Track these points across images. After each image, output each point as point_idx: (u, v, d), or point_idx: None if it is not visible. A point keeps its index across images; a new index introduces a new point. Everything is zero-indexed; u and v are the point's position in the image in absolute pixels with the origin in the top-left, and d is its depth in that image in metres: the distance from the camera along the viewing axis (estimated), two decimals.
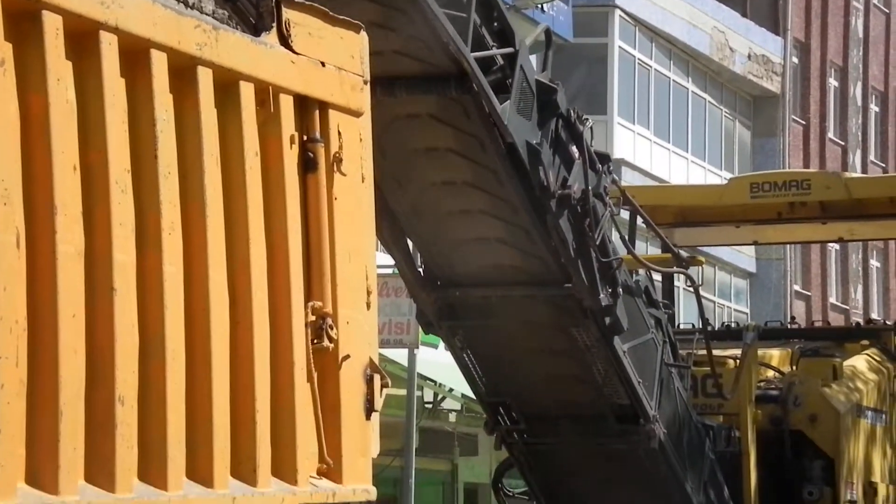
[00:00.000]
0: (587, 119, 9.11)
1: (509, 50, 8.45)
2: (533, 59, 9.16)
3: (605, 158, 9.29)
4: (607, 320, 9.36)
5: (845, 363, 11.85)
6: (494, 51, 8.34)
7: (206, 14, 5.99)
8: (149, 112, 5.58)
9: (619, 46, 26.74)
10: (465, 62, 8.05)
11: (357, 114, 6.76)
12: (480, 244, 9.20)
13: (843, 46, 34.27)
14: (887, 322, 15.43)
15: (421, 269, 9.62)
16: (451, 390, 17.92)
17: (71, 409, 5.17)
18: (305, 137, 6.45)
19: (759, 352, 11.39)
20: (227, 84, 5.99)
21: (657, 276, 11.63)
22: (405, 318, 14.16)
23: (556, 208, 8.79)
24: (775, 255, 30.47)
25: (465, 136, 8.48)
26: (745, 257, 29.82)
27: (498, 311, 9.58)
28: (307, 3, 6.54)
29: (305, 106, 6.47)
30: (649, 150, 27.16)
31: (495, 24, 8.44)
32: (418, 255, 9.60)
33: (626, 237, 10.22)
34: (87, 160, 5.31)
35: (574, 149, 8.92)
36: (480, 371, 10.14)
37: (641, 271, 10.49)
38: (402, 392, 16.14)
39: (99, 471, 5.32)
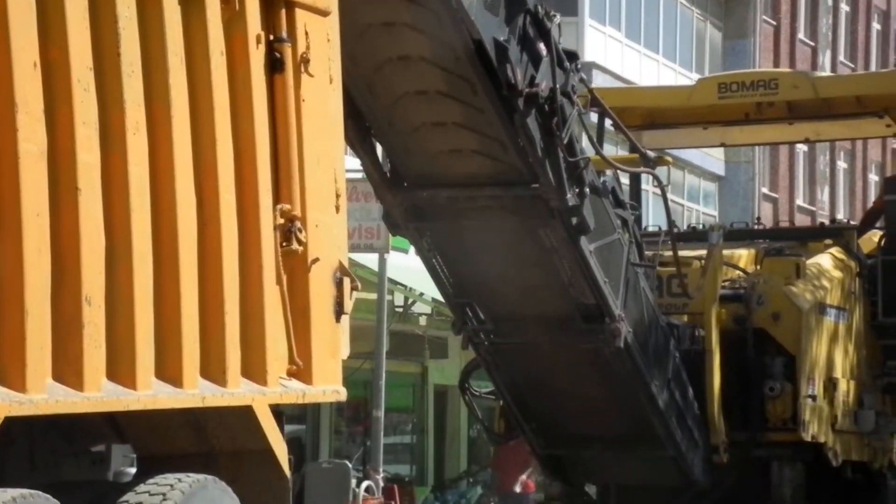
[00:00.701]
0: (556, 16, 8.96)
1: None
2: None
3: (573, 57, 9.18)
4: (574, 220, 9.30)
5: (809, 262, 11.84)
6: None
7: None
8: (111, 8, 5.51)
9: None
10: None
11: (324, 13, 6.69)
12: (454, 155, 9.11)
13: None
14: (852, 222, 15.41)
15: (388, 171, 9.50)
16: (421, 294, 17.99)
17: (37, 309, 5.18)
18: (272, 37, 6.39)
19: (725, 252, 11.37)
20: None
21: (625, 179, 11.62)
22: (375, 223, 14.16)
23: (524, 107, 8.68)
24: (744, 158, 30.55)
25: (438, 44, 8.33)
26: (713, 160, 29.88)
27: (465, 213, 9.51)
28: None
29: (271, 4, 6.41)
30: (620, 53, 27.05)
31: None
32: (381, 148, 9.45)
33: (595, 138, 10.18)
34: (48, 57, 5.25)
35: (542, 46, 8.80)
36: (448, 272, 10.10)
37: (609, 172, 10.42)
38: (373, 296, 16.18)
39: (67, 370, 5.34)
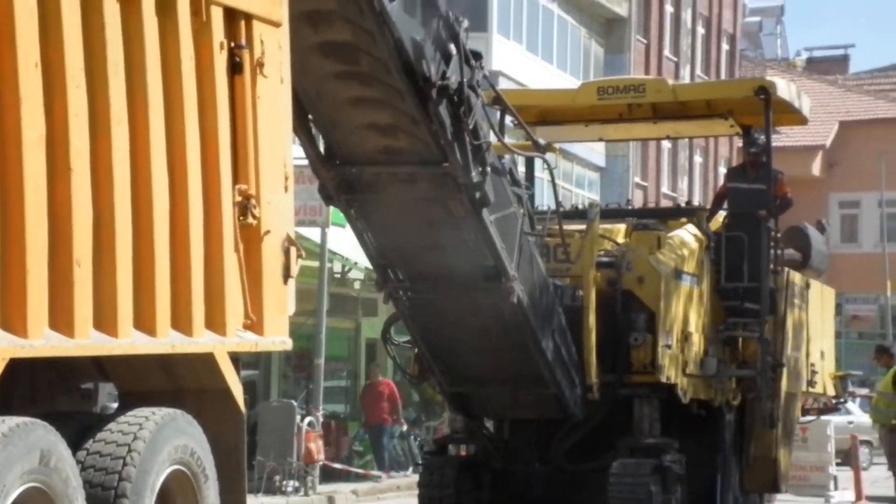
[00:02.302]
0: (463, 21, 8.83)
1: None
2: None
3: (478, 56, 9.03)
4: (477, 194, 9.23)
5: (668, 236, 11.79)
6: None
7: None
8: (99, 17, 5.47)
9: None
10: None
11: (277, 24, 6.64)
12: (373, 129, 8.95)
13: None
14: (703, 205, 15.51)
15: (323, 150, 9.33)
16: (355, 263, 17.84)
17: (36, 269, 5.16)
18: (233, 44, 6.34)
19: (601, 227, 11.28)
20: None
21: (522, 168, 11.56)
22: (318, 202, 13.93)
23: (437, 97, 8.56)
24: (620, 153, 30.62)
25: (361, 30, 8.14)
26: (596, 154, 29.92)
27: (387, 187, 9.38)
28: None
29: (233, 17, 6.36)
30: (522, 63, 27.02)
31: None
32: (320, 137, 9.31)
33: (496, 128, 10.02)
34: (47, 57, 5.21)
35: (452, 46, 8.67)
36: (371, 237, 9.97)
37: (507, 157, 10.32)
38: (315, 264, 16.02)
39: (61, 320, 5.32)
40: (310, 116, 8.95)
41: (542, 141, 10.58)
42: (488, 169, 9.28)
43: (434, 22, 8.52)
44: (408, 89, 8.51)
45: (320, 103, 8.72)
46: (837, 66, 45.59)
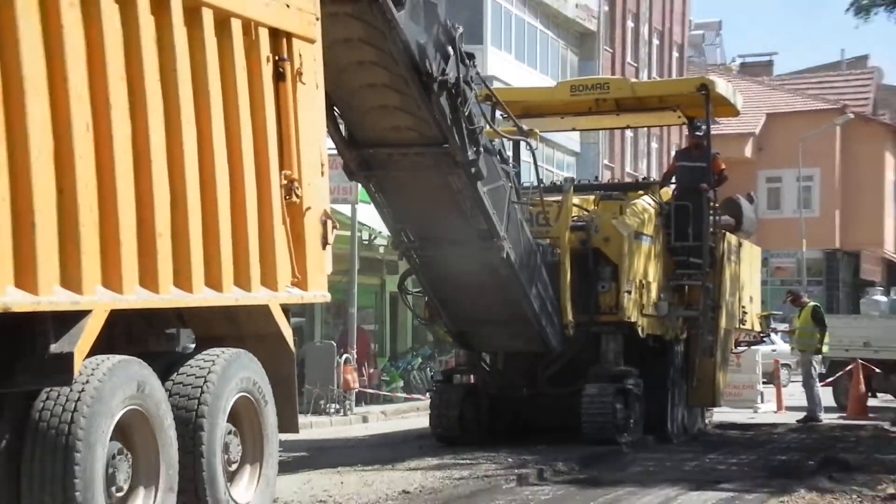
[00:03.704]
0: (459, 27, 8.82)
1: None
2: None
3: (471, 56, 9.02)
4: (472, 170, 9.23)
5: (629, 204, 11.79)
6: None
7: None
8: (169, 39, 5.46)
9: None
10: None
11: (312, 41, 6.61)
12: (384, 110, 8.90)
13: (636, 0, 34.15)
14: (657, 180, 15.52)
15: (346, 135, 9.31)
16: (379, 232, 17.83)
17: (128, 240, 5.11)
18: (277, 58, 6.32)
19: (574, 198, 11.36)
20: (223, 20, 5.87)
21: (509, 152, 11.56)
22: (348, 184, 14.01)
23: (438, 90, 8.57)
24: (592, 140, 30.40)
25: (373, 29, 8.10)
26: (573, 141, 29.72)
27: (398, 164, 9.36)
28: None
29: (277, 35, 6.33)
30: (511, 69, 26.87)
31: None
32: (343, 123, 9.26)
33: (488, 117, 10.03)
34: (130, 73, 5.18)
35: (449, 48, 8.64)
36: (387, 206, 9.98)
37: (497, 141, 10.33)
38: (347, 233, 15.93)
39: (148, 279, 5.26)
40: (335, 108, 8.83)
41: (525, 127, 10.53)
42: (481, 149, 9.25)
43: (435, 28, 8.47)
44: (413, 80, 8.42)
45: (338, 89, 8.56)
46: (764, 69, 45.32)
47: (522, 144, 11.54)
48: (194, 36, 5.63)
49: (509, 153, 11.18)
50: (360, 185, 11.55)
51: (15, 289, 4.59)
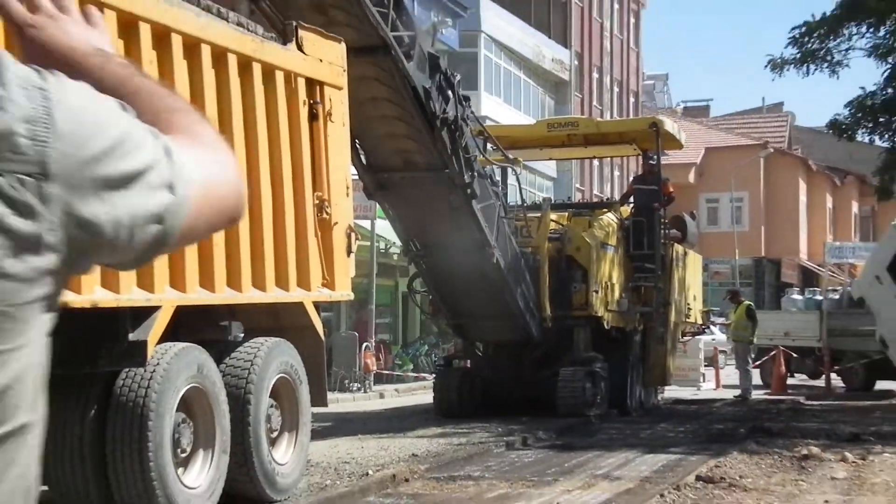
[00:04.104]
0: (457, 75, 8.91)
1: (412, 32, 8.17)
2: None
3: (467, 99, 9.09)
4: (469, 191, 9.27)
5: (596, 219, 11.85)
6: (403, 32, 8.04)
7: (253, 30, 5.81)
8: (227, 88, 5.49)
9: (484, 54, 26.45)
10: (388, 38, 7.77)
11: (340, 88, 6.64)
12: (393, 138, 8.89)
13: (600, 56, 34.21)
14: (617, 199, 15.47)
15: (364, 161, 9.32)
16: (394, 243, 17.85)
17: (190, 249, 5.14)
18: (311, 101, 6.35)
19: (551, 215, 11.38)
20: (269, 72, 5.91)
21: (498, 177, 11.60)
22: (368, 203, 14.04)
23: (440, 125, 8.62)
24: (566, 168, 30.50)
25: (386, 73, 8.13)
26: (550, 168, 29.77)
27: (408, 186, 9.37)
28: (311, 26, 6.43)
29: (312, 84, 6.37)
30: (501, 111, 26.94)
31: (404, 16, 8.14)
32: (362, 152, 9.27)
33: (481, 148, 10.12)
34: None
35: (449, 92, 8.70)
36: (398, 220, 10.01)
37: (488, 167, 10.36)
38: (367, 244, 16.00)
39: (206, 281, 5.27)
40: (356, 140, 8.80)
41: (511, 156, 10.65)
42: (476, 174, 9.32)
43: (437, 76, 8.54)
44: (419, 116, 8.48)
45: (356, 118, 8.38)
46: (702, 112, 45.64)
47: (509, 170, 11.61)
48: (246, 84, 5.69)
49: (498, 178, 11.26)
50: (377, 204, 11.60)
51: (101, 288, 4.63)
